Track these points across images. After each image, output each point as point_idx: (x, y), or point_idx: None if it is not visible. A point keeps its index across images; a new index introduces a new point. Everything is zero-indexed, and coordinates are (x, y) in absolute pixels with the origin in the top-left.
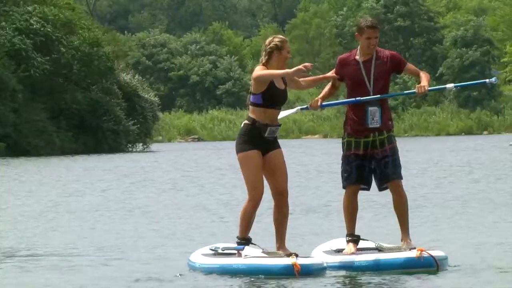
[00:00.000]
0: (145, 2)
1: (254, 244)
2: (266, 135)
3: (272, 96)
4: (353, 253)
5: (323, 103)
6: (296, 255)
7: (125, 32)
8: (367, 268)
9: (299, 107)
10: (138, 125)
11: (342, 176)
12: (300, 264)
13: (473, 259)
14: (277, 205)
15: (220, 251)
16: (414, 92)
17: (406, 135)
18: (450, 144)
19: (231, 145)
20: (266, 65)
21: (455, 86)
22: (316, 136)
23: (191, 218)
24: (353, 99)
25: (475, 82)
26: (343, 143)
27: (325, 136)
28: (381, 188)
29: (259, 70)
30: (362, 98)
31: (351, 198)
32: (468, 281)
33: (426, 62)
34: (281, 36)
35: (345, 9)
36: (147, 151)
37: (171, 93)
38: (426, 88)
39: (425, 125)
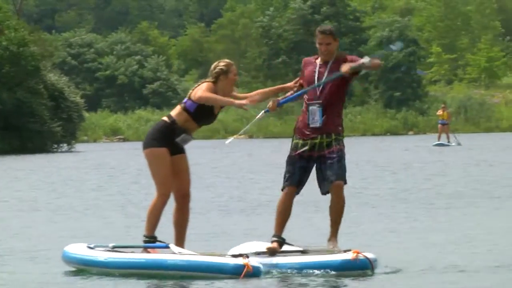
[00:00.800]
0: (72, 2)
1: (162, 242)
2: (178, 140)
3: (204, 115)
4: (278, 254)
5: (280, 101)
6: (247, 256)
7: (52, 31)
8: (300, 270)
9: (263, 111)
10: (62, 124)
11: (284, 177)
12: (252, 266)
13: (399, 260)
14: (179, 208)
15: (109, 248)
16: (341, 74)
17: None
18: (375, 144)
19: None
20: (214, 85)
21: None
22: (242, 136)
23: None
24: (306, 88)
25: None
26: (291, 145)
27: (251, 136)
28: (324, 192)
29: (207, 89)
30: (311, 86)
31: (287, 200)
32: (401, 282)
33: None
34: (226, 60)
35: (272, 9)
36: (72, 151)
37: (97, 93)
38: (348, 66)
39: (351, 125)
